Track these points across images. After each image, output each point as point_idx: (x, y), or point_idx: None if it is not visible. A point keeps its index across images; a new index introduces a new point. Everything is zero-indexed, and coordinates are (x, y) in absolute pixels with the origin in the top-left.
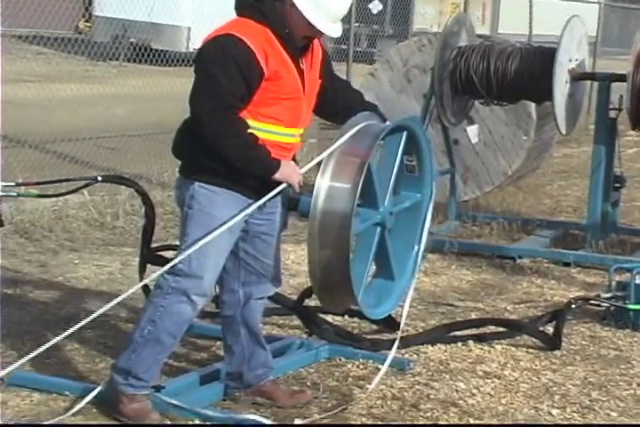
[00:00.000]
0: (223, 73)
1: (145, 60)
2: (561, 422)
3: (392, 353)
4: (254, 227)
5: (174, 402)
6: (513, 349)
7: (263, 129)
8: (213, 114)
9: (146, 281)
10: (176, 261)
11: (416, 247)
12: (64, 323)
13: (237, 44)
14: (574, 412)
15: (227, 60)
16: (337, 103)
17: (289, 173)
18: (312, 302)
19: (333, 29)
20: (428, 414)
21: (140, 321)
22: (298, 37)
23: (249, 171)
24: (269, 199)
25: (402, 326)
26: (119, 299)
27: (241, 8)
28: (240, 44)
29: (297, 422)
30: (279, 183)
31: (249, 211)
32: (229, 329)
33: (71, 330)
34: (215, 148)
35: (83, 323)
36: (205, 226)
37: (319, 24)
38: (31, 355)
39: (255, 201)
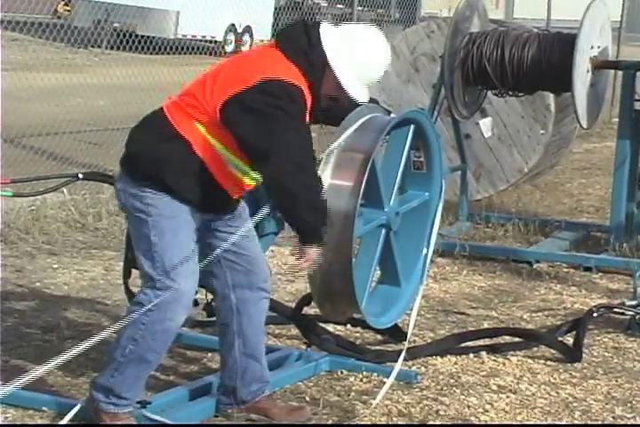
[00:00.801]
0: (300, 124)
1: (129, 48)
2: None
3: (398, 365)
4: (224, 228)
5: (161, 419)
6: (529, 361)
7: (240, 167)
8: (302, 165)
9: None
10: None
11: (424, 251)
12: (41, 333)
13: (301, 96)
14: None
15: (300, 111)
16: (329, 112)
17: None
18: (311, 310)
19: (364, 95)
20: None
21: (120, 339)
22: (325, 98)
23: (305, 218)
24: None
25: (409, 336)
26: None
27: (290, 51)
28: (303, 96)
29: None
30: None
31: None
32: (224, 339)
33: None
34: (289, 190)
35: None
36: (171, 231)
37: (351, 89)
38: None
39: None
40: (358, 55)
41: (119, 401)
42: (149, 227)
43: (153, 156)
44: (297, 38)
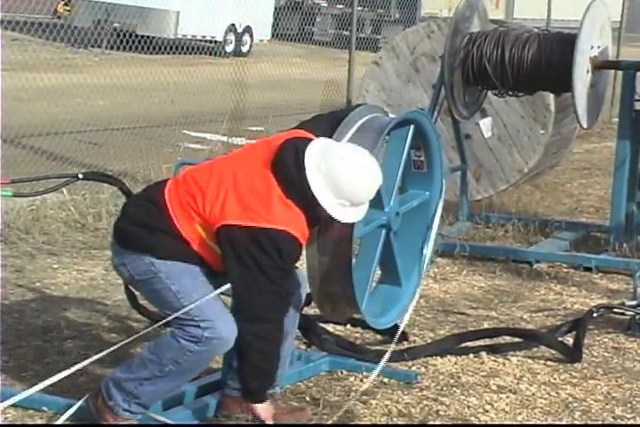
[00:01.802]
0: (278, 284)
1: (129, 48)
2: None
3: (384, 360)
4: None
5: (161, 419)
6: (529, 361)
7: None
8: (274, 323)
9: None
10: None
11: (424, 251)
12: (41, 333)
13: (292, 248)
14: None
15: (284, 264)
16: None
17: (270, 413)
18: (311, 310)
19: (353, 216)
20: None
21: (160, 357)
22: (323, 219)
23: (253, 373)
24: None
25: (398, 332)
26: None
27: (285, 188)
28: (293, 246)
29: None
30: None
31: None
32: None
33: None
34: (250, 337)
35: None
36: (187, 275)
37: (335, 213)
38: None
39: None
40: (342, 189)
41: (138, 409)
42: (164, 280)
43: (150, 244)
44: (289, 172)
